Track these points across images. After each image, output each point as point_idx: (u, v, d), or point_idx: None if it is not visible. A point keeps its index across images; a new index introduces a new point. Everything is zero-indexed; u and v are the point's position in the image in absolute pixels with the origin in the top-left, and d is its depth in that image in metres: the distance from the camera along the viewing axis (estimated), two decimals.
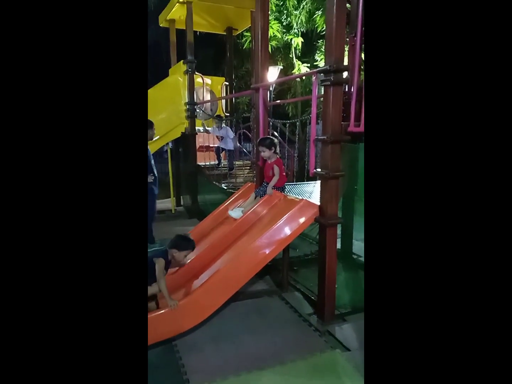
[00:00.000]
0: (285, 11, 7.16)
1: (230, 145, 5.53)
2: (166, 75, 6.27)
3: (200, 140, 5.73)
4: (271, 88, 6.12)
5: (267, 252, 2.59)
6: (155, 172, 3.88)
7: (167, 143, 5.93)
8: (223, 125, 5.52)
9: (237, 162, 5.86)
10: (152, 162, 3.87)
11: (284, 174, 3.26)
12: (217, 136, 5.58)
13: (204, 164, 5.59)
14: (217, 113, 5.97)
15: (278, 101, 6.68)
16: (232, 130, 5.67)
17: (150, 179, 3.78)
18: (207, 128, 5.72)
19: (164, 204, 6.91)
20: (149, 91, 5.67)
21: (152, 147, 5.63)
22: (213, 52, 10.04)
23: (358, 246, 3.61)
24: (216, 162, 5.67)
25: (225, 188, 4.82)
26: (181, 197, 6.60)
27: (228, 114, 6.10)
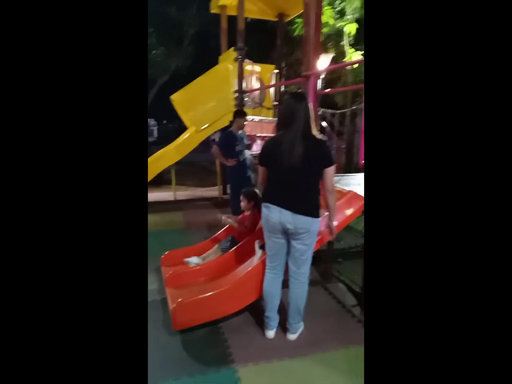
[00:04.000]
0: None
1: None
2: (215, 62, 6.33)
3: (247, 129, 5.75)
4: (322, 76, 5.96)
5: None
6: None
7: (215, 132, 6.01)
8: None
9: None
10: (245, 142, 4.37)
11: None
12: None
13: (251, 153, 5.60)
14: (265, 102, 5.93)
15: (329, 89, 6.50)
16: None
17: (242, 157, 4.24)
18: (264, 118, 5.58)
19: (211, 192, 7.10)
20: (198, 79, 5.75)
21: (200, 136, 5.76)
22: (262, 39, 9.98)
23: None
24: None
25: None
26: (228, 185, 6.71)
27: (276, 103, 6.04)
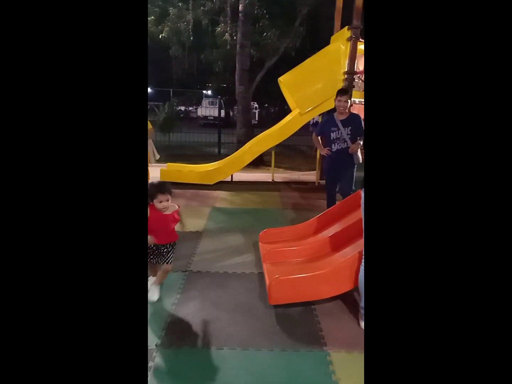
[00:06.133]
0: None
1: None
2: (326, 43, 6.14)
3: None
4: None
5: None
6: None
7: (320, 115, 5.88)
8: None
9: None
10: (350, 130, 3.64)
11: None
12: None
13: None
14: None
15: None
16: None
17: (335, 147, 3.70)
18: None
19: (308, 176, 7.06)
20: (308, 60, 5.64)
21: (303, 119, 5.68)
22: None
23: None
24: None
25: None
26: None
27: None
